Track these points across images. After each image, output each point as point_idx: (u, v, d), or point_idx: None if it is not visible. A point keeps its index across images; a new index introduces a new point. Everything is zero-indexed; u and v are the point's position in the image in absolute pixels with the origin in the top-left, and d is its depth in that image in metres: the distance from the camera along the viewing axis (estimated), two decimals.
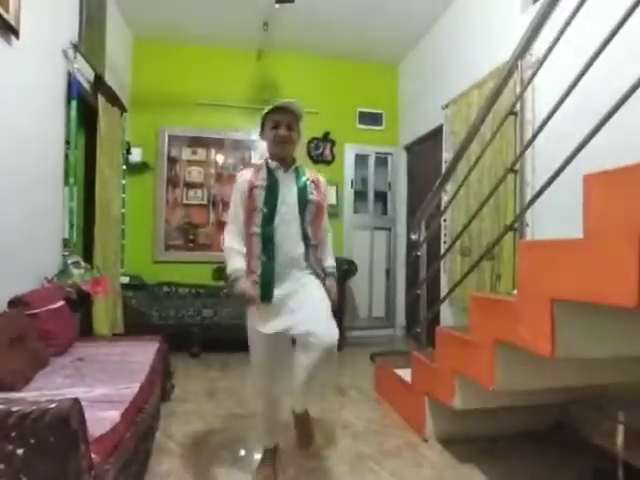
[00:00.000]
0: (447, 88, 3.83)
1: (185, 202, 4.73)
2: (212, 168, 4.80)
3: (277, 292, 1.71)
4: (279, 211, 1.73)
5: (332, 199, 4.84)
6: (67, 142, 2.95)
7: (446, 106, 3.80)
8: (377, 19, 4.14)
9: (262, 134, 1.88)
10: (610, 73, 1.88)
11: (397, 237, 5.11)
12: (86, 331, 2.85)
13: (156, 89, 4.59)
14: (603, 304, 1.16)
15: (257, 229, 1.74)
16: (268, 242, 1.72)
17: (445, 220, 3.70)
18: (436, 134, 4.12)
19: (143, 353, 2.32)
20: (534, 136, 1.81)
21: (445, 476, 1.95)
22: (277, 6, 3.60)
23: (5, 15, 2.08)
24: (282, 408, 1.89)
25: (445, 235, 3.78)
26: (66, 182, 2.95)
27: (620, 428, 1.77)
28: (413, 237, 2.83)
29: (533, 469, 2.03)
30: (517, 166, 2.06)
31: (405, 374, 2.60)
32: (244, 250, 1.77)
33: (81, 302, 2.73)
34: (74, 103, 2.94)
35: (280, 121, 1.77)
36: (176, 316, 3.84)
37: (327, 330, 1.60)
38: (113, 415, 1.44)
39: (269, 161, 1.84)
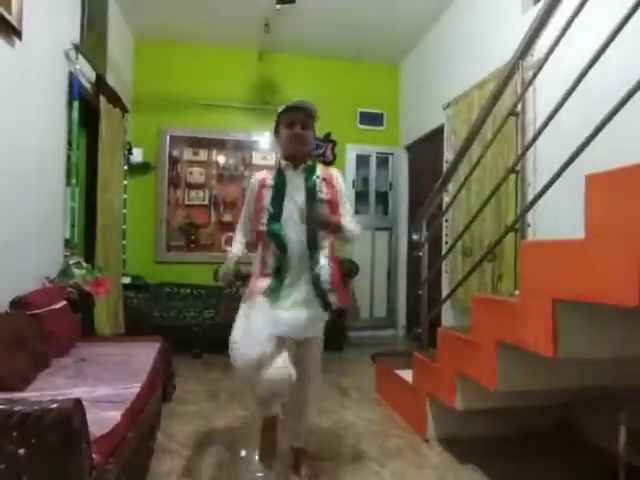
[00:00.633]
0: (448, 88, 3.83)
1: (186, 203, 4.74)
2: (213, 169, 4.80)
3: (284, 298, 1.71)
4: (286, 210, 1.73)
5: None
6: (69, 143, 2.95)
7: (447, 106, 3.80)
8: (378, 19, 4.14)
9: (276, 133, 1.87)
10: (611, 73, 1.88)
11: (398, 237, 5.10)
12: (88, 331, 2.85)
13: (157, 90, 4.59)
14: (605, 304, 1.16)
15: (264, 227, 1.75)
16: (276, 239, 1.72)
17: (446, 220, 3.69)
18: (437, 134, 4.12)
19: (144, 354, 2.32)
20: (535, 136, 1.81)
21: (446, 477, 1.95)
22: (278, 7, 3.60)
23: (8, 16, 2.09)
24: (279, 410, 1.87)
25: (446, 235, 3.77)
26: (68, 182, 2.95)
27: (622, 429, 1.76)
28: (414, 237, 2.83)
29: (534, 470, 2.03)
30: (518, 166, 2.05)
31: (406, 375, 2.59)
32: (245, 239, 1.86)
33: (83, 302, 2.73)
34: (76, 104, 2.95)
35: (295, 120, 1.77)
36: (177, 317, 3.85)
37: (314, 372, 1.83)
38: (114, 415, 1.44)
39: (281, 161, 1.84)
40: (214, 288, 4.36)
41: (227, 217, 4.76)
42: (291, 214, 1.73)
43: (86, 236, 3.42)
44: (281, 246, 1.72)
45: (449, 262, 3.59)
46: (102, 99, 3.36)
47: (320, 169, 1.85)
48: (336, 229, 1.77)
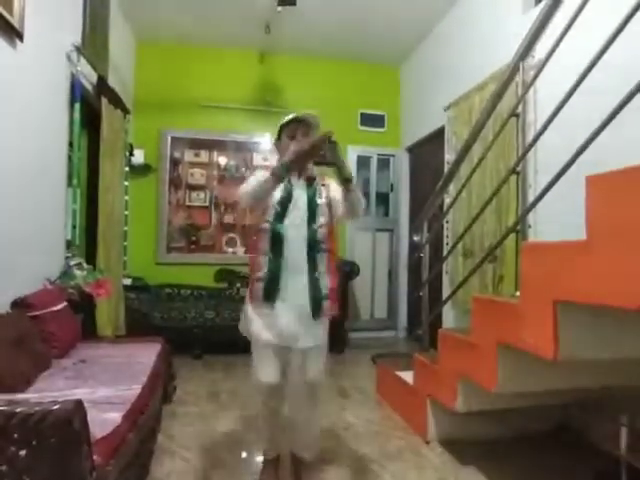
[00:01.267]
0: (449, 90, 3.83)
1: (187, 204, 4.74)
2: (214, 170, 4.81)
3: (280, 301, 1.70)
4: (290, 213, 1.74)
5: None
6: (70, 144, 2.96)
7: (448, 107, 3.80)
8: (379, 21, 4.14)
9: (277, 143, 1.89)
10: (612, 74, 1.88)
11: (399, 239, 5.10)
12: (88, 333, 2.86)
13: (159, 91, 4.60)
14: (606, 306, 1.15)
15: (267, 225, 1.74)
16: (276, 240, 1.72)
17: (447, 222, 3.69)
18: (438, 136, 4.12)
19: (145, 355, 2.32)
20: (536, 138, 1.81)
21: (447, 478, 1.95)
22: (279, 9, 3.61)
23: (10, 18, 2.09)
24: (282, 416, 1.87)
25: (447, 237, 3.77)
26: (69, 184, 2.96)
27: (623, 430, 1.76)
28: (415, 239, 2.83)
29: (535, 471, 2.02)
30: (519, 168, 2.05)
31: (407, 376, 2.59)
32: None
33: (84, 304, 2.73)
34: (77, 105, 2.95)
35: (297, 131, 1.80)
36: (178, 318, 3.85)
37: (316, 374, 1.77)
38: (115, 417, 1.44)
39: None
40: (215, 289, 4.37)
41: (228, 218, 4.76)
42: (294, 219, 1.74)
43: (87, 237, 3.43)
44: (280, 247, 1.71)
45: (450, 263, 3.59)
46: (103, 100, 3.36)
47: (318, 177, 1.89)
48: (349, 179, 1.72)
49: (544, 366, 1.62)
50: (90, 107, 3.28)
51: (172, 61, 4.68)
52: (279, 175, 1.62)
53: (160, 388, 2.26)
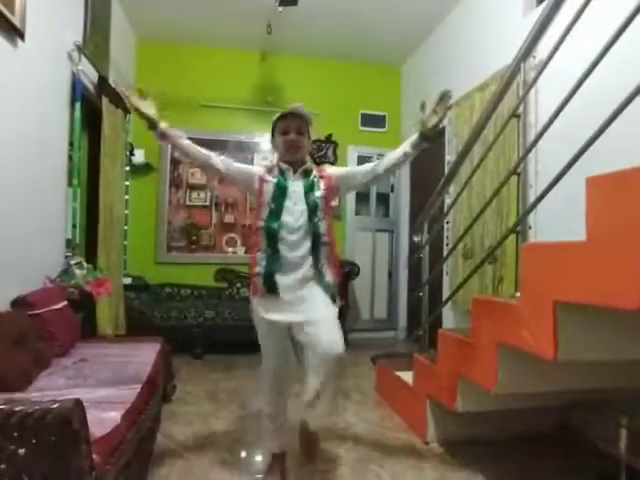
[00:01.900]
0: (450, 90, 3.82)
1: (188, 203, 4.74)
2: None
3: (282, 290, 1.71)
4: (286, 208, 1.74)
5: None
6: (71, 143, 2.96)
7: (448, 108, 3.79)
8: (380, 21, 4.15)
9: (273, 141, 1.89)
10: (614, 75, 1.88)
11: (399, 239, 5.10)
12: (88, 332, 2.85)
13: (160, 91, 4.59)
14: (606, 307, 1.15)
15: (263, 223, 1.75)
16: (273, 237, 1.72)
17: (447, 222, 3.69)
18: (439, 136, 4.11)
19: (145, 354, 2.32)
20: (537, 139, 1.81)
21: (446, 479, 1.94)
22: (280, 9, 3.61)
23: (11, 17, 2.09)
24: (287, 410, 1.89)
25: (447, 237, 3.77)
26: (70, 183, 2.96)
27: (623, 431, 1.76)
28: (415, 239, 2.83)
29: (535, 472, 2.02)
30: (520, 168, 2.05)
31: (406, 376, 2.59)
32: (196, 148, 1.89)
33: (84, 303, 2.73)
34: (78, 104, 2.96)
35: (290, 126, 1.78)
36: (178, 317, 3.85)
37: (333, 340, 1.63)
38: (114, 416, 1.44)
39: (280, 163, 1.84)
40: (215, 289, 4.38)
41: (228, 218, 4.76)
42: (291, 213, 1.74)
43: (87, 236, 3.43)
44: (274, 245, 1.72)
45: (450, 264, 3.59)
46: (104, 100, 3.36)
47: (315, 170, 1.87)
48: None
49: (544, 367, 1.62)
50: (91, 106, 3.29)
51: (173, 61, 4.68)
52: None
53: (160, 387, 2.26)
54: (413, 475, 1.96)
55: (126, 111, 3.89)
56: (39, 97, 2.52)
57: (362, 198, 5.11)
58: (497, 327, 1.69)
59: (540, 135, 1.76)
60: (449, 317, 3.67)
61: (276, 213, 1.73)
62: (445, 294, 3.66)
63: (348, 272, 4.24)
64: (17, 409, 1.05)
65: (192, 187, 4.75)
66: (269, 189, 1.76)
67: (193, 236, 4.70)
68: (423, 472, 1.99)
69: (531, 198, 2.42)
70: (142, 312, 3.82)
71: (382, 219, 5.18)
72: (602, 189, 1.20)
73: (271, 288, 1.71)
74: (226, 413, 2.60)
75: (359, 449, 2.20)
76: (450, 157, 3.80)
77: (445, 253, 3.55)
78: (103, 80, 3.36)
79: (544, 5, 1.82)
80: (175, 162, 4.71)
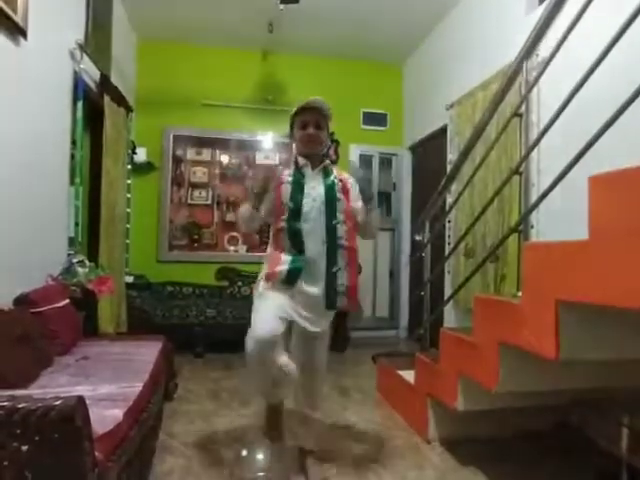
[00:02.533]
0: (452, 89, 3.82)
1: (189, 202, 4.75)
2: (217, 168, 4.81)
3: (298, 287, 1.72)
4: (305, 207, 1.73)
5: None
6: (73, 142, 2.97)
7: (450, 107, 3.80)
8: (381, 19, 4.14)
9: (291, 135, 1.87)
10: (617, 74, 1.87)
11: (401, 238, 5.10)
12: (90, 330, 2.86)
13: (161, 89, 4.61)
14: (608, 306, 1.15)
15: (284, 224, 1.74)
16: (295, 236, 1.72)
17: (449, 221, 3.69)
18: (441, 135, 4.11)
19: (147, 352, 2.33)
20: (539, 137, 1.81)
21: (447, 478, 1.95)
22: (282, 7, 3.61)
23: (13, 16, 2.09)
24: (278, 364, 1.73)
25: (449, 236, 3.77)
26: (72, 181, 2.96)
27: (624, 431, 1.76)
28: (417, 238, 2.83)
29: (536, 471, 2.02)
30: (522, 167, 2.05)
31: (408, 375, 2.59)
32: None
33: (86, 301, 2.74)
34: (80, 103, 2.96)
35: (308, 121, 1.77)
36: (180, 316, 3.86)
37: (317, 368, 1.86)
38: (117, 414, 1.45)
39: (298, 158, 1.83)
40: (216, 287, 4.38)
41: (230, 217, 4.77)
42: (310, 211, 1.73)
43: (89, 235, 3.44)
44: (299, 243, 1.72)
45: (452, 263, 3.58)
46: (106, 98, 3.37)
47: (336, 171, 1.87)
48: (372, 208, 1.82)
49: (545, 366, 1.62)
50: (93, 105, 3.29)
51: (175, 59, 4.69)
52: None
53: (161, 386, 2.27)
54: (414, 474, 1.97)
55: (128, 109, 3.90)
56: (41, 95, 2.53)
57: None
58: (499, 326, 1.69)
59: (542, 134, 1.75)
60: (451, 316, 3.67)
61: (297, 212, 1.72)
62: (447, 293, 3.66)
63: None
64: (20, 406, 1.05)
65: (194, 185, 4.76)
66: (286, 189, 1.76)
67: (195, 235, 4.71)
68: (424, 471, 2.00)
69: (533, 197, 2.42)
70: (144, 310, 3.83)
71: (384, 218, 5.17)
72: (605, 188, 1.19)
73: (291, 281, 1.71)
74: (227, 411, 2.61)
75: (360, 448, 2.20)
76: (452, 156, 3.79)
77: (447, 252, 3.55)
78: (105, 78, 3.37)
79: (546, 3, 1.81)
80: (177, 161, 4.72)
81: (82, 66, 2.97)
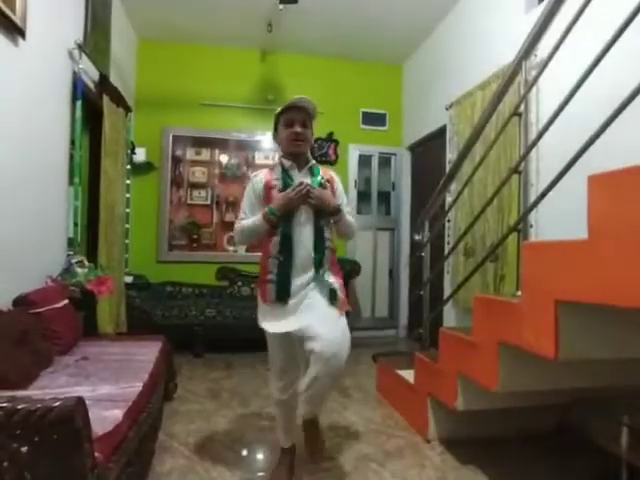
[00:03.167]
0: (451, 88, 3.82)
1: (189, 202, 4.75)
2: (216, 168, 4.81)
3: (292, 295, 1.69)
4: (295, 211, 1.71)
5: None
6: (72, 142, 2.96)
7: (450, 106, 3.80)
8: (381, 19, 4.14)
9: (275, 135, 1.85)
10: (616, 73, 1.88)
11: (400, 237, 5.10)
12: (90, 330, 2.86)
13: (161, 89, 4.60)
14: (608, 305, 1.15)
15: (274, 229, 1.73)
16: (285, 242, 1.70)
17: (449, 221, 3.69)
18: (440, 134, 4.11)
19: (146, 353, 2.33)
20: (538, 137, 1.81)
21: (447, 477, 1.95)
22: (281, 7, 3.61)
23: (12, 16, 2.09)
24: (297, 408, 1.85)
25: (449, 236, 3.77)
26: (71, 182, 2.96)
27: (624, 430, 1.76)
28: (416, 238, 2.83)
29: (536, 471, 2.03)
30: (521, 167, 2.05)
31: (407, 375, 2.59)
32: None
33: (85, 301, 2.74)
34: (79, 103, 2.96)
35: (294, 119, 1.75)
36: (179, 316, 3.85)
37: (334, 340, 1.60)
38: (116, 414, 1.45)
39: (283, 160, 1.81)
40: (216, 287, 4.38)
41: (229, 217, 4.76)
42: (299, 215, 1.72)
43: (89, 235, 3.44)
44: (288, 247, 1.70)
45: (451, 262, 3.59)
46: (105, 98, 3.36)
47: (322, 170, 1.86)
48: (336, 211, 1.76)
49: (545, 366, 1.62)
50: (92, 105, 3.29)
51: (174, 59, 4.68)
52: (269, 220, 1.70)
53: (161, 386, 2.27)
54: (414, 473, 1.97)
55: (127, 109, 3.90)
56: (40, 95, 2.52)
57: (363, 197, 5.11)
58: (498, 326, 1.69)
59: (541, 133, 1.75)
60: (450, 315, 3.68)
61: (286, 218, 1.71)
62: (446, 292, 3.67)
63: (349, 271, 4.24)
64: (19, 407, 1.05)
65: (193, 186, 4.75)
66: (276, 194, 1.74)
67: (194, 235, 4.71)
68: (424, 470, 2.00)
69: (532, 196, 2.42)
70: (143, 310, 3.83)
71: (383, 217, 5.18)
72: (604, 187, 1.19)
73: (282, 297, 1.69)
74: (227, 411, 2.61)
75: (360, 447, 2.20)
76: (451, 155, 3.80)
77: (446, 251, 3.55)
78: (104, 78, 3.36)
79: (545, 3, 1.81)
80: (176, 161, 4.71)
81: (81, 66, 2.97)
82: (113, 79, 3.59)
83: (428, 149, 4.58)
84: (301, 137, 1.75)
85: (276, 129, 1.84)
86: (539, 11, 1.88)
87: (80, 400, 1.12)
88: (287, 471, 1.87)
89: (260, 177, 1.82)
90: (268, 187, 1.77)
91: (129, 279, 3.96)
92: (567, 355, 1.34)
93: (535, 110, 2.71)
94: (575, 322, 1.35)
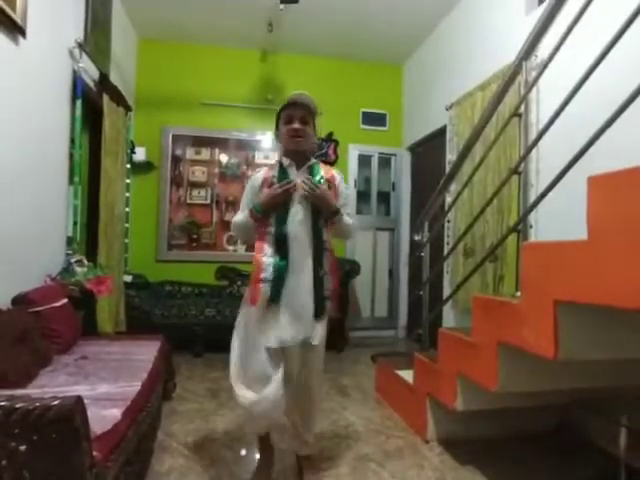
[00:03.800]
0: (451, 89, 3.83)
1: (189, 201, 4.75)
2: (216, 168, 4.81)
3: (284, 298, 1.68)
4: (291, 211, 1.70)
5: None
6: (72, 141, 2.96)
7: (450, 107, 3.80)
8: (381, 19, 4.14)
9: (277, 133, 1.84)
10: (615, 74, 1.88)
11: (400, 238, 5.10)
12: (89, 329, 2.86)
13: (161, 89, 4.60)
14: (607, 306, 1.15)
15: (270, 228, 1.72)
16: (281, 241, 1.69)
17: (448, 221, 3.69)
18: (440, 135, 4.11)
19: (145, 352, 2.33)
20: (538, 138, 1.81)
21: (446, 477, 1.94)
22: (282, 7, 3.61)
23: (12, 14, 2.09)
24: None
25: (448, 236, 3.77)
26: (70, 181, 2.96)
27: (623, 430, 1.76)
28: (416, 238, 2.83)
29: (535, 471, 2.03)
30: (521, 167, 2.05)
31: (407, 375, 2.59)
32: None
33: (84, 300, 2.74)
34: (79, 102, 2.96)
35: (293, 115, 1.74)
36: (179, 315, 3.85)
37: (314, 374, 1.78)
38: (115, 413, 1.44)
39: (283, 159, 1.80)
40: (215, 287, 4.38)
41: (229, 216, 4.76)
42: (296, 214, 1.71)
43: (88, 234, 3.43)
44: (284, 247, 1.69)
45: (450, 263, 3.59)
46: (105, 98, 3.36)
47: (323, 169, 1.83)
48: (334, 213, 1.75)
49: (544, 366, 1.62)
50: (92, 104, 3.29)
51: (174, 58, 4.68)
52: (254, 216, 1.73)
53: (160, 385, 2.27)
54: (413, 474, 1.97)
55: (127, 108, 3.90)
56: (40, 94, 2.52)
57: (363, 197, 5.11)
58: (498, 326, 1.69)
59: (541, 134, 1.75)
60: (449, 316, 3.68)
61: (283, 217, 1.70)
62: (445, 293, 3.67)
63: (349, 271, 4.24)
64: (18, 406, 1.05)
65: (193, 185, 4.75)
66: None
67: (194, 234, 4.70)
68: (423, 471, 2.00)
69: (532, 197, 2.42)
70: (143, 310, 3.82)
71: (383, 217, 5.18)
72: (604, 188, 1.19)
73: (276, 295, 1.67)
74: (226, 411, 2.61)
75: (359, 448, 2.20)
76: (451, 156, 3.80)
77: (446, 252, 3.55)
78: (104, 78, 3.36)
79: (546, 4, 1.81)
80: (176, 160, 4.71)
81: (81, 65, 2.97)
82: (113, 78, 3.59)
83: (428, 149, 4.58)
84: (300, 133, 1.73)
85: (277, 127, 1.83)
86: (539, 12, 1.88)
87: (79, 399, 1.11)
88: (270, 460, 1.87)
89: (260, 174, 1.83)
90: (265, 184, 1.77)
91: (128, 278, 3.96)
92: (566, 355, 1.34)
93: (535, 111, 2.71)
94: (574, 322, 1.35)
